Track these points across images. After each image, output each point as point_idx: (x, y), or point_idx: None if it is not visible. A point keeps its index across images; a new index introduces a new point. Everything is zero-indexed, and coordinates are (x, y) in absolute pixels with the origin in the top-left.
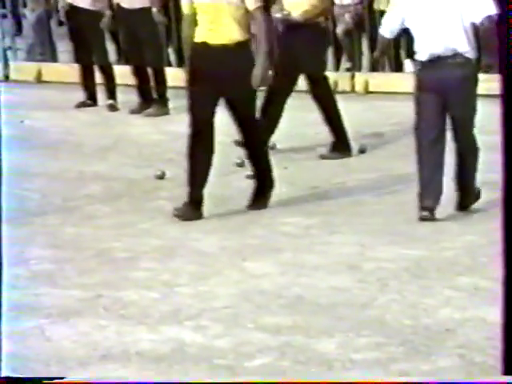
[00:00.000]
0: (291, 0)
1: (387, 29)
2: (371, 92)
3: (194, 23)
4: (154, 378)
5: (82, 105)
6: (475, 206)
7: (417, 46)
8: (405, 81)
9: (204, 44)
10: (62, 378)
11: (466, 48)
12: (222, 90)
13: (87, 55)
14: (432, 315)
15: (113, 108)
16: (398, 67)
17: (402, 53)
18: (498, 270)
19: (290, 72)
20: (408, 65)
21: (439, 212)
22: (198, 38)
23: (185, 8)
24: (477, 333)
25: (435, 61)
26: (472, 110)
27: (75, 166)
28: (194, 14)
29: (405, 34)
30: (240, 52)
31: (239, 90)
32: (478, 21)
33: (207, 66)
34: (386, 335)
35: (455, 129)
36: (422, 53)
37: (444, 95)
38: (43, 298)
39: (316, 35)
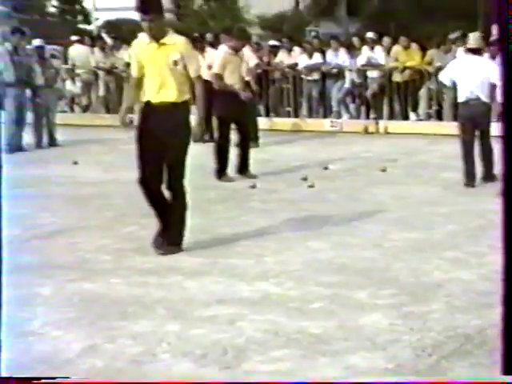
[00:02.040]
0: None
1: (444, 79)
2: (390, 133)
3: (140, 85)
4: (250, 317)
5: (206, 141)
6: (454, 205)
7: (458, 93)
8: (411, 126)
9: (150, 103)
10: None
11: (484, 96)
12: (164, 142)
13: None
14: (428, 276)
15: (254, 145)
16: (406, 117)
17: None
18: (470, 247)
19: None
20: (412, 116)
21: (430, 210)
22: (145, 98)
23: (134, 71)
24: (456, 287)
25: (467, 101)
26: (489, 127)
27: (203, 182)
28: (142, 78)
29: (410, 97)
30: (179, 112)
31: (176, 142)
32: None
33: (152, 121)
34: (398, 288)
35: (480, 137)
36: (461, 96)
37: (473, 119)
38: (181, 262)
39: None
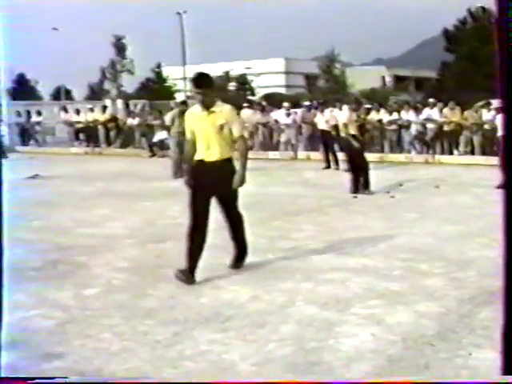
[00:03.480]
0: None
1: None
2: (442, 163)
3: (195, 145)
4: (355, 280)
5: (324, 168)
6: (482, 209)
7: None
8: (455, 158)
9: (201, 161)
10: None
11: None
12: (214, 192)
13: (327, 148)
14: (466, 254)
15: (337, 169)
16: (451, 153)
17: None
18: (494, 236)
19: None
20: (455, 152)
21: (467, 212)
22: (197, 157)
23: (188, 135)
24: (485, 261)
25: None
26: None
27: (323, 193)
28: (195, 140)
29: (454, 140)
30: (225, 166)
31: (225, 191)
32: None
33: (202, 176)
34: (447, 262)
35: None
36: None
37: None
38: (309, 245)
39: None
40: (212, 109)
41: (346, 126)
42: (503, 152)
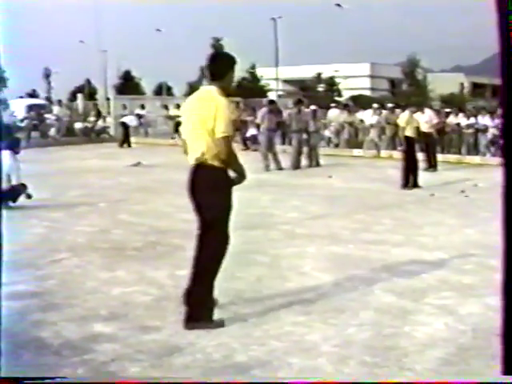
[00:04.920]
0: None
1: None
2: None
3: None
4: (429, 272)
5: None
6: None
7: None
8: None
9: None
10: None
11: None
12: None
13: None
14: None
15: (434, 170)
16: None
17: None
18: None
19: None
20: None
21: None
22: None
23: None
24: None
25: None
26: None
27: (398, 189)
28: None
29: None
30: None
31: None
32: None
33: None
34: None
35: None
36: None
37: None
38: (385, 238)
39: None
40: None
41: (404, 128)
42: (503, 154)
